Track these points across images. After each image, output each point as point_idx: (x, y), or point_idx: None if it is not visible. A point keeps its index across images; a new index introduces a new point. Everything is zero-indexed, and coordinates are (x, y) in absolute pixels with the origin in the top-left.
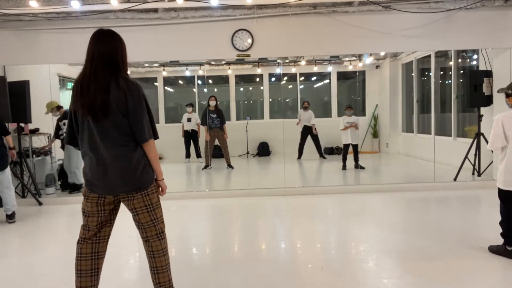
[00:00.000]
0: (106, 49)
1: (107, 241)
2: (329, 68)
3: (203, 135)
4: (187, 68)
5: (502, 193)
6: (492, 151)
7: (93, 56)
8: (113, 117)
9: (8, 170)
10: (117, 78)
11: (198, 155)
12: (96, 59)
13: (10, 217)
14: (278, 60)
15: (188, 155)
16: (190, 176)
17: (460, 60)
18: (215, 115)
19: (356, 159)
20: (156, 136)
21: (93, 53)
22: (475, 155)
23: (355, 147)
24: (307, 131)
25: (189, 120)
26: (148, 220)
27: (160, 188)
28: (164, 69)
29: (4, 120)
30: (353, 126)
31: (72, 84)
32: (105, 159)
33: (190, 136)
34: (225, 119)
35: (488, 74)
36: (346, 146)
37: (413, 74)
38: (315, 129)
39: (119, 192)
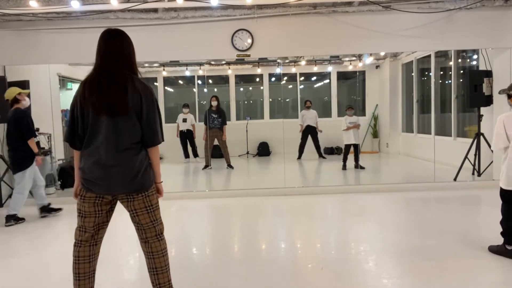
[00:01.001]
0: (117, 49)
1: (101, 242)
2: (329, 68)
3: (199, 135)
4: (187, 68)
5: (504, 193)
6: (492, 151)
7: (106, 55)
8: (128, 118)
9: (21, 174)
10: (133, 79)
11: (196, 154)
12: (110, 58)
13: (6, 220)
14: (278, 60)
15: (187, 155)
16: (190, 176)
17: (460, 60)
18: (216, 115)
19: (356, 159)
20: (162, 139)
21: (105, 53)
22: (475, 155)
23: (356, 147)
24: (309, 131)
25: (184, 120)
26: (148, 221)
27: (158, 190)
28: (164, 69)
29: (30, 120)
30: (356, 127)
31: (82, 83)
32: (109, 159)
33: (186, 136)
34: (226, 120)
35: (488, 74)
36: (348, 146)
37: (413, 74)
38: (319, 129)
39: (119, 193)
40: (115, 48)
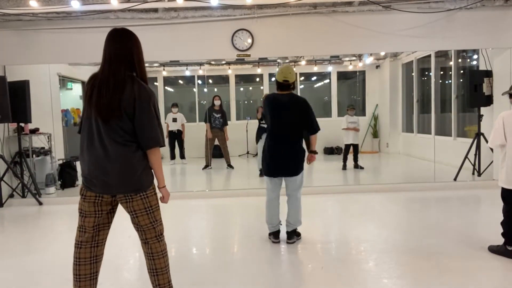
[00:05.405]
0: (122, 50)
1: (105, 244)
2: (329, 68)
3: (188, 136)
4: (187, 68)
5: (506, 193)
6: (492, 151)
7: (110, 56)
8: (119, 119)
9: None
10: (133, 81)
11: (182, 156)
12: (113, 59)
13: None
14: (278, 60)
15: (173, 157)
16: (190, 176)
17: (460, 60)
18: (219, 115)
19: (355, 159)
20: (162, 143)
21: (109, 54)
22: (475, 155)
23: (355, 146)
24: None
25: (174, 120)
26: (148, 222)
27: (161, 195)
28: (164, 69)
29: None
30: (356, 129)
31: (86, 84)
32: (106, 158)
33: (175, 137)
34: (227, 121)
35: (488, 74)
36: (348, 146)
37: (413, 74)
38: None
39: (117, 192)
40: (116, 49)
